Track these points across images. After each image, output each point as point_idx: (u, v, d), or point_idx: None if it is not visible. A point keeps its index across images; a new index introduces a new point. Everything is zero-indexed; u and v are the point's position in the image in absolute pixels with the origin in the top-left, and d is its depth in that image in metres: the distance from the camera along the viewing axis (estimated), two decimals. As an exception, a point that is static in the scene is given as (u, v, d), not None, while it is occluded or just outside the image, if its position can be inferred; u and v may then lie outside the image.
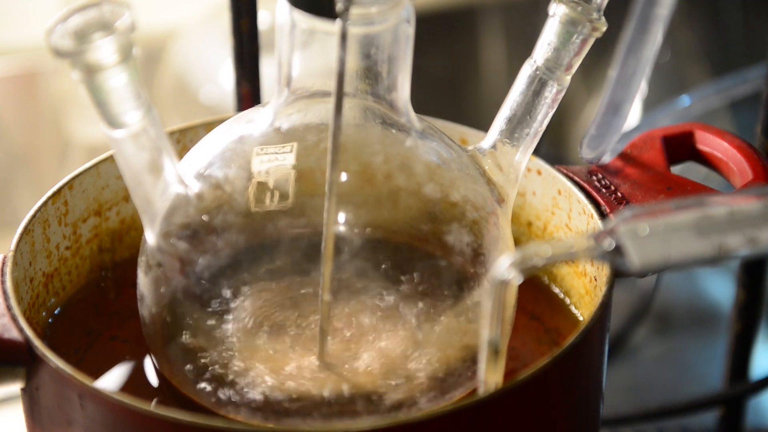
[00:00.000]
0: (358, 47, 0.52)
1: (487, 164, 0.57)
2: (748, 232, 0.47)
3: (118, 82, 0.50)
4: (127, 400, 0.48)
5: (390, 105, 0.54)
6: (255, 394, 0.53)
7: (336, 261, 0.53)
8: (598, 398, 0.56)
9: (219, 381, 0.54)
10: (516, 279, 0.47)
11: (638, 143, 0.62)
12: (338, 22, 0.50)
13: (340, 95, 0.51)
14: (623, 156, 0.61)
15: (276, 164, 0.54)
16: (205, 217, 0.54)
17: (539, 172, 0.63)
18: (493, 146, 0.57)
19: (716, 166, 0.62)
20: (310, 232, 0.54)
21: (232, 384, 0.53)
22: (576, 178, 0.60)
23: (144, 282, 0.55)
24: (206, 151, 0.56)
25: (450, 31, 1.21)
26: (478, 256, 0.55)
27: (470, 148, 0.58)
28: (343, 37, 0.51)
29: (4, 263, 0.55)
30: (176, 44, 1.12)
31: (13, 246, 0.56)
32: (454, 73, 1.23)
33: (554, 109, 0.57)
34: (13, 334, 0.52)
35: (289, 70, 0.54)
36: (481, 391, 0.49)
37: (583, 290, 0.60)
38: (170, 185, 0.53)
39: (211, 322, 0.54)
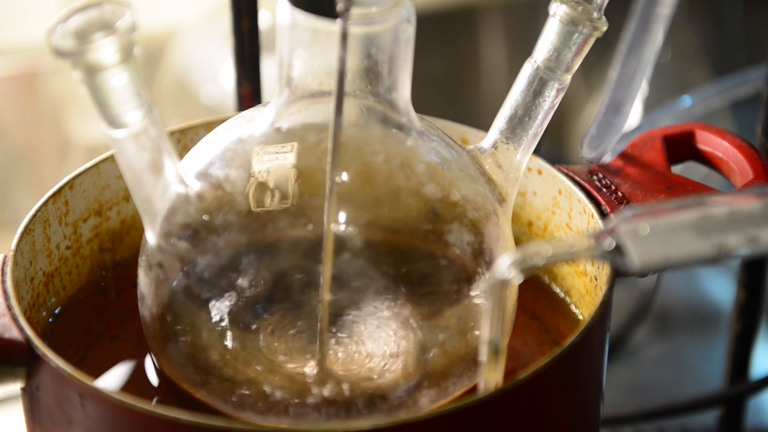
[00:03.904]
0: (358, 47, 0.52)
1: (487, 164, 0.57)
2: (749, 232, 0.47)
3: (118, 82, 0.50)
4: (128, 399, 0.48)
5: (390, 105, 0.54)
6: (255, 394, 0.53)
7: (336, 261, 0.53)
8: (598, 398, 0.56)
9: (219, 380, 0.54)
10: (516, 278, 0.47)
11: (639, 143, 0.62)
12: (339, 21, 0.50)
13: (340, 95, 0.51)
14: (624, 156, 0.61)
15: (276, 164, 0.54)
16: (205, 217, 0.54)
17: (540, 172, 0.63)
18: (494, 146, 0.57)
19: (717, 166, 0.62)
20: (310, 232, 0.54)
21: (232, 383, 0.53)
22: (576, 178, 0.60)
23: (145, 282, 0.55)
24: (207, 150, 0.56)
25: (450, 31, 1.21)
26: (478, 255, 0.55)
27: (471, 147, 0.58)
28: (344, 36, 0.51)
29: (4, 263, 0.55)
30: (176, 44, 1.12)
31: (13, 246, 0.56)
32: (454, 73, 1.23)
33: (555, 109, 0.57)
34: (14, 333, 0.52)
35: (290, 69, 0.54)
36: (482, 390, 0.49)
37: (583, 290, 0.60)
38: (171, 185, 0.53)
39: (212, 321, 0.54)
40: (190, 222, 0.54)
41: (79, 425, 0.50)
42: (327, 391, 0.53)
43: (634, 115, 1.02)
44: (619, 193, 0.59)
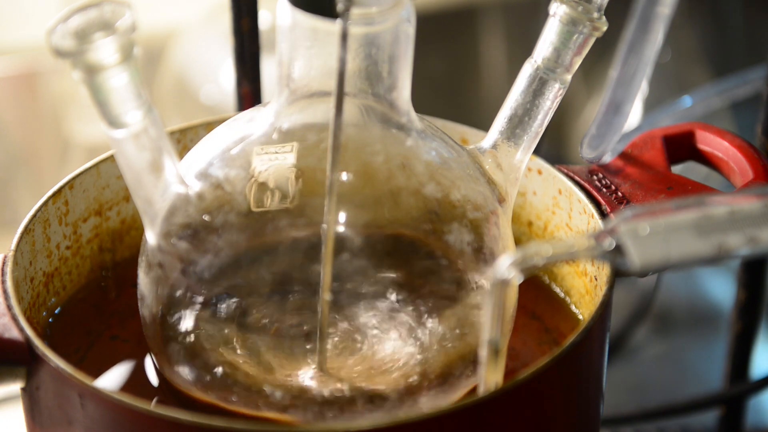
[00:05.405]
0: (358, 47, 0.52)
1: (487, 164, 0.57)
2: (749, 232, 0.47)
3: (118, 82, 0.50)
4: (128, 399, 0.48)
5: (390, 105, 0.54)
6: (255, 394, 0.53)
7: (336, 261, 0.53)
8: (598, 398, 0.56)
9: (219, 380, 0.54)
10: (516, 278, 0.47)
11: (639, 143, 0.62)
12: (339, 21, 0.51)
13: (340, 95, 0.51)
14: (624, 155, 0.61)
15: (277, 164, 0.54)
16: (205, 217, 0.54)
17: (540, 172, 0.63)
18: (494, 146, 0.57)
19: (717, 166, 0.62)
20: (310, 232, 0.54)
21: (232, 383, 0.53)
22: (576, 178, 0.60)
23: (144, 282, 0.55)
24: (207, 150, 0.56)
25: (450, 31, 1.21)
26: (478, 255, 0.55)
27: (471, 147, 0.58)
28: (344, 36, 0.51)
29: (4, 263, 0.55)
30: (176, 44, 1.12)
31: (13, 246, 0.56)
32: (454, 73, 1.23)
33: (555, 109, 0.57)
34: (14, 333, 0.52)
35: (290, 69, 0.54)
36: (482, 390, 0.49)
37: (583, 290, 0.60)
38: (171, 185, 0.53)
39: (212, 321, 0.54)
40: (190, 222, 0.54)
41: (79, 425, 0.50)
42: (327, 391, 0.53)
43: (634, 115, 1.02)
44: (619, 193, 0.59)
